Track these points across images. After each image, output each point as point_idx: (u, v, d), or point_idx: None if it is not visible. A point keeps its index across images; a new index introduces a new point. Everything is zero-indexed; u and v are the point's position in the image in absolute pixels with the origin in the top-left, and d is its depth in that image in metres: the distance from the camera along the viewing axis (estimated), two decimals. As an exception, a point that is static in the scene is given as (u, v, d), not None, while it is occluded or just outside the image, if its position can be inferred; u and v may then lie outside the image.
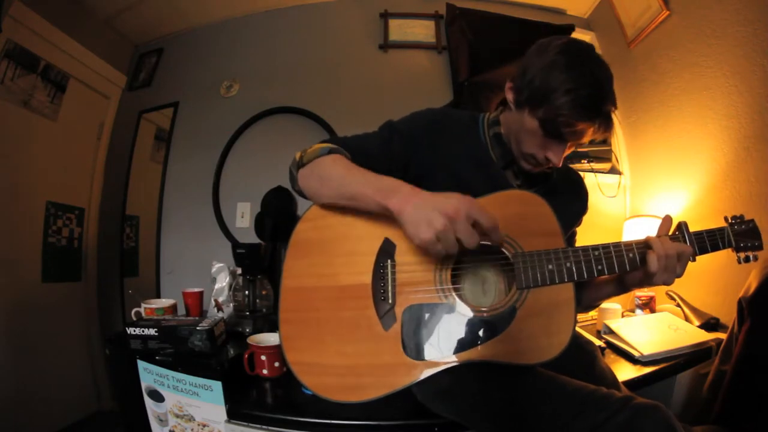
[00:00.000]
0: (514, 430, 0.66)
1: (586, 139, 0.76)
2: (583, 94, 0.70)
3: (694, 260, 0.73)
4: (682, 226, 0.75)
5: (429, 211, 0.62)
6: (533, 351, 0.68)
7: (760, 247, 0.74)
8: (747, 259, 0.75)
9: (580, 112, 0.70)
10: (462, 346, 0.69)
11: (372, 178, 0.71)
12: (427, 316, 0.72)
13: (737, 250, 0.75)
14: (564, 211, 0.76)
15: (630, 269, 0.72)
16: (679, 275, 0.72)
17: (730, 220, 0.76)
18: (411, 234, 0.64)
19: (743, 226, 0.75)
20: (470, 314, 0.71)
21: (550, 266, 0.71)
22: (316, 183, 0.76)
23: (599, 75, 0.72)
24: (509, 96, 0.82)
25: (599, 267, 0.71)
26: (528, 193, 0.77)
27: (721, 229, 0.75)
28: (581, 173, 1.01)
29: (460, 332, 0.70)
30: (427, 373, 0.69)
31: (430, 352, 0.70)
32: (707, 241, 0.74)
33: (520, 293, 0.71)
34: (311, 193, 0.78)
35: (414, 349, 0.70)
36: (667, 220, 0.77)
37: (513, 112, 0.82)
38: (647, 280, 0.73)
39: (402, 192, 0.67)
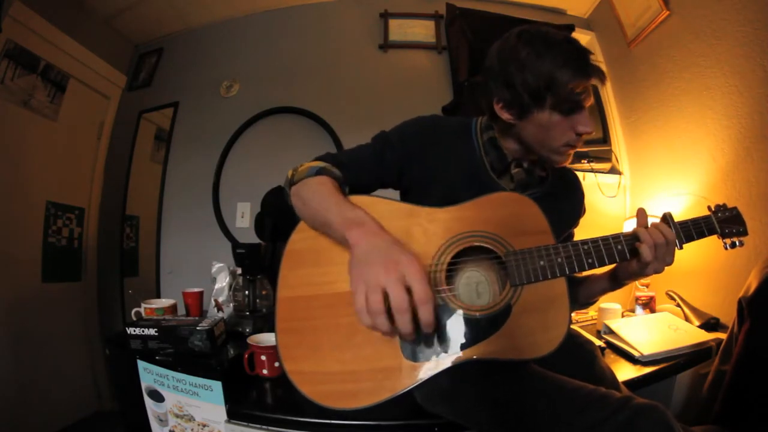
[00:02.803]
0: (514, 430, 0.66)
1: (592, 97, 0.78)
2: (574, 58, 0.73)
3: (681, 248, 0.75)
4: (667, 217, 0.77)
5: (374, 258, 0.58)
6: (531, 346, 0.69)
7: (744, 233, 0.77)
8: (733, 245, 0.77)
9: (582, 73, 0.73)
10: (460, 345, 0.69)
11: (344, 208, 0.69)
12: None
13: (723, 236, 0.78)
14: (560, 213, 0.77)
15: (619, 260, 0.74)
16: (669, 263, 0.74)
17: (713, 209, 0.79)
18: (349, 272, 0.61)
19: (727, 213, 0.78)
20: (467, 314, 0.71)
21: (542, 262, 0.71)
22: (299, 204, 0.77)
23: (569, 38, 0.75)
24: (505, 115, 0.79)
25: (589, 260, 0.73)
26: (516, 195, 0.77)
27: (705, 218, 0.78)
28: (579, 173, 1.02)
29: (458, 332, 0.70)
30: (427, 375, 0.69)
31: (429, 353, 0.70)
32: (692, 229, 0.77)
33: (514, 290, 0.72)
34: (298, 212, 0.79)
35: (412, 352, 0.70)
36: (641, 212, 0.78)
37: (519, 125, 0.79)
38: (641, 271, 0.75)
39: (364, 227, 0.64)
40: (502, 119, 0.80)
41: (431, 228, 0.74)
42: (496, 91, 0.79)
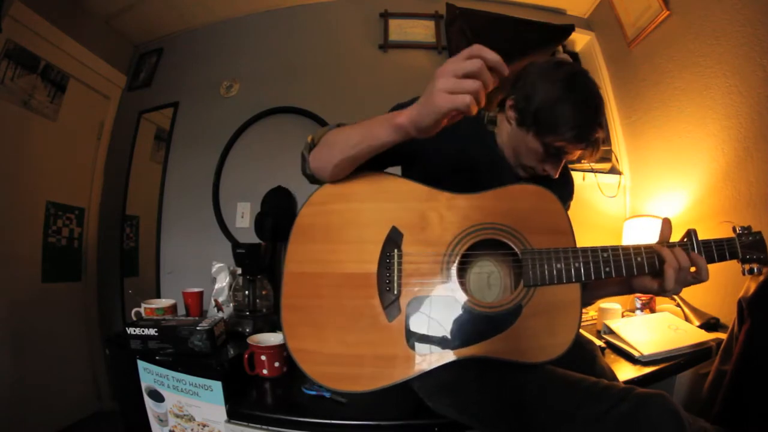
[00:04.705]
0: (515, 423, 0.66)
1: (577, 154, 0.85)
2: (586, 130, 0.79)
3: None
4: (691, 234, 0.74)
5: (429, 89, 0.59)
6: (536, 350, 0.68)
7: (766, 262, 0.74)
8: (751, 271, 0.74)
9: (582, 143, 0.80)
10: (466, 341, 0.69)
11: (372, 119, 0.71)
12: (431, 309, 0.71)
13: (743, 261, 0.74)
14: None
15: (637, 273, 0.72)
16: (687, 285, 0.73)
17: (738, 231, 0.75)
18: (428, 109, 0.61)
19: (750, 238, 0.74)
20: (476, 309, 0.71)
21: (559, 265, 0.70)
22: (325, 150, 0.75)
23: (599, 108, 0.80)
24: (510, 113, 0.86)
25: (607, 269, 0.71)
26: (539, 188, 0.76)
27: (729, 240, 0.74)
28: (579, 173, 1.03)
29: (465, 327, 0.70)
30: (429, 366, 0.68)
31: (434, 345, 0.69)
32: (715, 251, 0.74)
33: (527, 291, 0.71)
34: (323, 164, 0.76)
35: (417, 342, 0.69)
36: (667, 223, 0.76)
37: (514, 129, 0.86)
38: (660, 292, 0.73)
39: (404, 110, 0.65)
40: (505, 113, 0.89)
41: (449, 215, 0.74)
42: (516, 91, 0.85)
